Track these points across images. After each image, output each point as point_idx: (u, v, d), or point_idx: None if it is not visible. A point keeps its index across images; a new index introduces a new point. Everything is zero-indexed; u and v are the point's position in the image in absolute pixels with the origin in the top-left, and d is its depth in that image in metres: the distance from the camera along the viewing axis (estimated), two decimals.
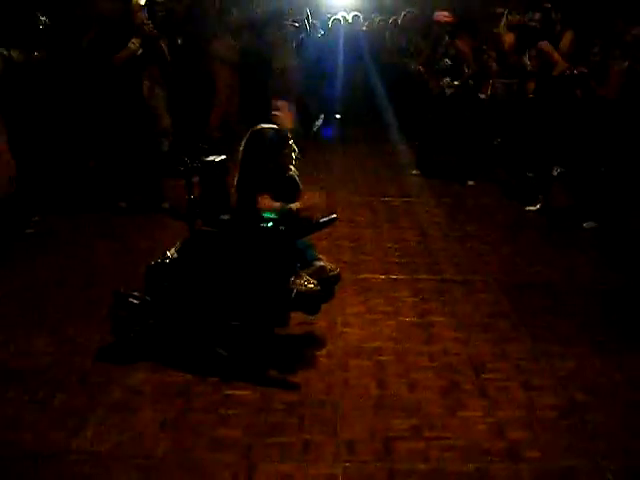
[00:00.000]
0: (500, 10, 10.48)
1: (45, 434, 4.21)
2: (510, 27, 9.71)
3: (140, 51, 8.05)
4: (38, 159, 7.98)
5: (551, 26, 9.07)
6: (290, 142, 5.11)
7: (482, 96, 9.93)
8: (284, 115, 5.55)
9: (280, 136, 5.09)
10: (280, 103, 5.43)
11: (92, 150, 8.90)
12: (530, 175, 9.05)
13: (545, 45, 8.59)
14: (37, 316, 5.74)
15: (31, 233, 7.59)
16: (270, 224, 4.81)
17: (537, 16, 9.19)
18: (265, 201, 4.92)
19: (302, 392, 4.65)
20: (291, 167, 5.15)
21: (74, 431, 4.22)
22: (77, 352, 5.16)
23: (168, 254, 5.17)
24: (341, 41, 13.59)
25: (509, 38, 9.65)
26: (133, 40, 7.99)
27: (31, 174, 7.56)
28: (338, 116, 13.85)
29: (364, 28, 14.50)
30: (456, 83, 9.72)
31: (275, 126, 5.18)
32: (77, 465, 3.93)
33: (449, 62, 9.80)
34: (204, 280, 4.91)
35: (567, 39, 8.63)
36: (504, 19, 9.87)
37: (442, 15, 10.18)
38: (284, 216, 4.88)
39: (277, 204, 4.93)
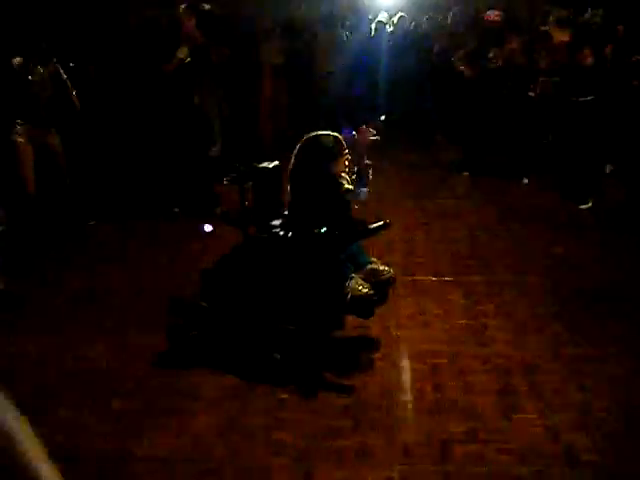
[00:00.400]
0: (547, 7, 10.39)
1: (103, 438, 4.29)
2: (560, 23, 9.60)
3: (188, 59, 8.12)
4: (93, 166, 8.12)
5: (613, 24, 8.96)
6: (346, 150, 5.11)
7: (532, 94, 9.85)
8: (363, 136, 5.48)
9: (336, 142, 5.10)
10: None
11: (143, 158, 9.02)
12: (582, 173, 8.96)
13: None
14: (94, 321, 5.85)
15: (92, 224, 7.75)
16: (324, 229, 4.84)
17: (599, 12, 9.04)
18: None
19: (357, 395, 4.67)
20: (344, 174, 5.14)
21: (132, 435, 4.30)
22: (134, 357, 5.25)
23: (223, 260, 5.24)
24: (385, 43, 13.57)
25: (558, 35, 9.54)
26: (181, 49, 8.09)
27: (86, 181, 7.68)
28: (383, 118, 13.85)
29: (410, 28, 14.44)
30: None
31: (330, 132, 5.18)
32: (135, 469, 4.00)
33: (500, 63, 9.74)
34: (259, 285, 4.97)
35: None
36: (552, 16, 9.76)
37: (493, 14, 10.09)
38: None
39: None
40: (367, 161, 5.20)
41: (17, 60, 6.80)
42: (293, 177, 5.08)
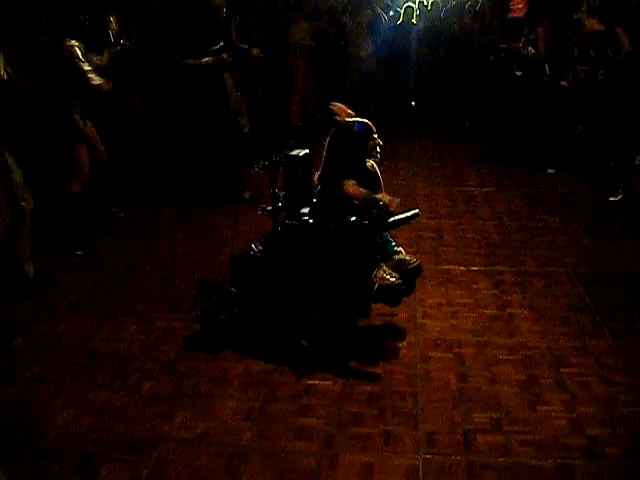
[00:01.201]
0: None
1: (135, 420, 4.37)
2: (592, 12, 9.53)
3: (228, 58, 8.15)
4: (123, 152, 8.18)
5: None
6: (375, 134, 5.14)
7: (563, 83, 9.81)
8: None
9: (366, 128, 5.12)
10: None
11: (173, 143, 9.08)
12: (611, 164, 8.94)
13: (620, 31, 8.47)
14: (125, 305, 5.93)
15: (118, 220, 7.81)
16: (353, 218, 4.88)
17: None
18: (351, 185, 4.97)
19: (383, 383, 4.72)
20: (372, 161, 5.19)
21: (162, 418, 4.37)
22: (164, 340, 5.33)
23: (253, 247, 5.30)
24: (415, 29, 13.53)
25: (590, 24, 9.47)
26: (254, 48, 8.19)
27: (115, 167, 7.74)
28: (413, 103, 13.84)
29: (441, 15, 14.37)
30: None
31: (360, 119, 5.21)
32: (164, 452, 4.07)
33: (533, 50, 9.70)
34: (288, 272, 5.02)
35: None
36: (585, 4, 9.69)
37: (515, 9, 10.01)
38: (370, 205, 4.94)
39: (364, 190, 4.98)
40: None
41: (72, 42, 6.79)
42: (327, 161, 5.11)
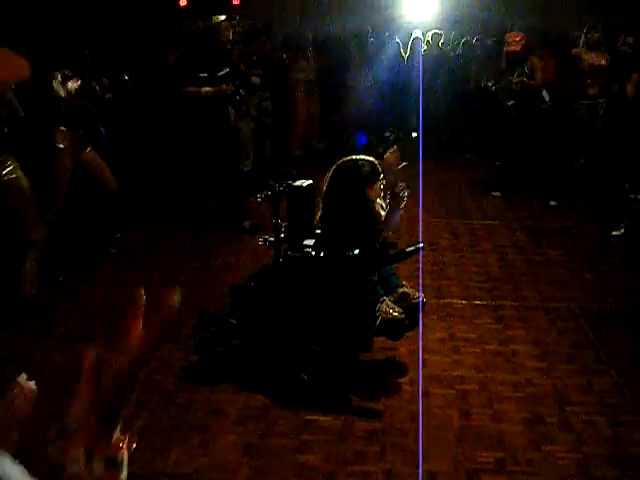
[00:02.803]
0: (578, 33, 10.35)
1: (130, 453, 4.27)
2: (590, 46, 9.56)
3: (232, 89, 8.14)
4: (124, 177, 8.14)
5: None
6: (381, 175, 5.07)
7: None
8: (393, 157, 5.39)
9: (372, 167, 5.06)
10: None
11: (175, 170, 9.05)
12: (613, 198, 8.89)
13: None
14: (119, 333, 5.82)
15: (113, 252, 7.74)
16: (356, 251, 4.81)
17: (630, 40, 8.97)
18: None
19: (384, 420, 4.64)
20: (379, 200, 5.10)
21: (158, 451, 4.28)
22: (160, 371, 5.23)
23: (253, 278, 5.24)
24: (419, 60, 13.54)
25: (589, 58, 9.51)
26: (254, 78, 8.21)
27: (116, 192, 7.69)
28: (415, 135, 13.81)
29: (440, 47, 14.39)
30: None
31: (366, 157, 5.15)
32: None
33: (526, 80, 9.70)
34: (289, 304, 4.95)
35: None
36: (583, 38, 9.72)
37: (514, 42, 10.00)
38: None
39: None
40: (401, 184, 5.13)
41: (56, 72, 6.77)
42: (327, 199, 5.05)
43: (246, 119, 9.27)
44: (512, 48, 9.93)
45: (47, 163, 6.88)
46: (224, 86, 7.97)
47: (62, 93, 6.73)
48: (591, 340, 5.80)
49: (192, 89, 7.88)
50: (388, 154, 5.21)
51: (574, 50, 9.90)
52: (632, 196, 8.99)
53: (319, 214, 5.14)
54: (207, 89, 7.88)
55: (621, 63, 8.71)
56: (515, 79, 9.81)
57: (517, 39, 9.94)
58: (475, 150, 12.51)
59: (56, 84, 6.70)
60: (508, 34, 10.43)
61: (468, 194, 10.46)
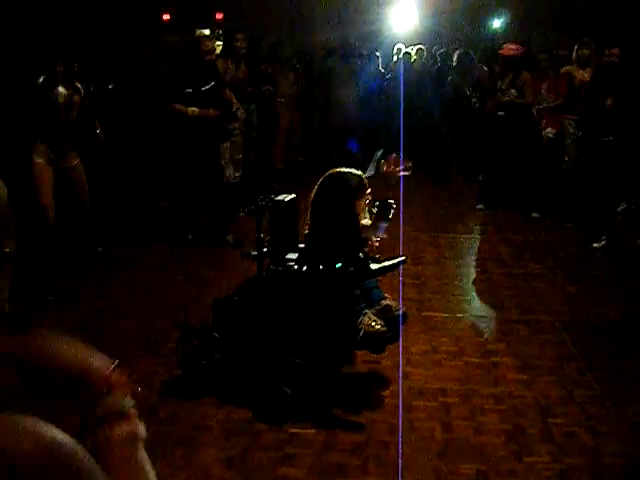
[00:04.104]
0: (564, 52, 10.39)
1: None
2: (581, 63, 9.57)
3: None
4: (107, 191, 8.15)
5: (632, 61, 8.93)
6: (368, 190, 5.10)
7: (550, 132, 9.90)
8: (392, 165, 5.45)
9: (360, 182, 5.09)
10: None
11: (161, 184, 9.07)
12: (595, 211, 8.93)
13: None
14: (103, 347, 5.78)
15: (98, 260, 7.73)
16: (339, 265, 4.83)
17: (615, 51, 8.97)
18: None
19: (366, 433, 4.64)
20: (363, 214, 5.14)
21: None
22: (143, 385, 5.21)
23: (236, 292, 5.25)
24: (403, 75, 13.59)
25: (580, 75, 9.51)
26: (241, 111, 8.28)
27: (99, 206, 7.69)
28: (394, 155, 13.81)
29: (424, 61, 14.46)
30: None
31: (352, 170, 5.18)
32: None
33: (515, 93, 9.76)
34: (271, 318, 4.96)
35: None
36: (574, 54, 9.74)
37: (511, 48, 10.06)
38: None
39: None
40: (390, 200, 5.16)
41: (41, 80, 6.78)
42: (313, 211, 5.07)
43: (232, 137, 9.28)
44: (508, 52, 9.97)
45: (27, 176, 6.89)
46: (211, 111, 8.02)
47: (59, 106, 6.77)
48: (572, 352, 5.84)
49: (179, 107, 7.92)
50: (386, 161, 5.28)
51: (564, 68, 9.91)
52: (619, 208, 9.10)
53: (307, 229, 5.15)
54: (194, 109, 7.92)
55: (606, 74, 8.71)
56: (503, 96, 9.85)
57: (513, 47, 10.01)
58: (458, 163, 12.55)
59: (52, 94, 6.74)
60: (505, 46, 10.42)
61: (451, 208, 10.52)
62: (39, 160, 6.85)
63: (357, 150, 12.08)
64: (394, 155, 5.37)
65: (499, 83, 10.04)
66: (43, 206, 6.88)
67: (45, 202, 6.89)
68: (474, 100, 11.99)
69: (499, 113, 10.06)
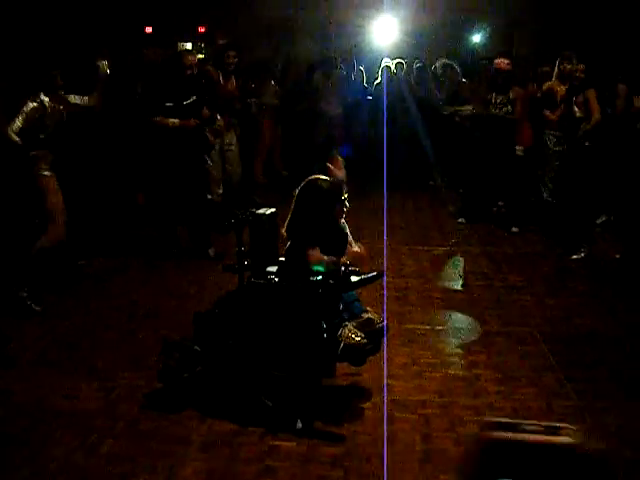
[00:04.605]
0: (546, 69, 10.45)
1: None
2: (562, 78, 9.64)
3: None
4: (88, 203, 8.14)
5: (598, 76, 9.03)
6: (345, 195, 5.17)
7: (518, 150, 9.99)
8: (337, 167, 5.59)
9: (336, 188, 5.14)
10: (334, 156, 5.46)
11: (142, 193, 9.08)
12: (574, 223, 8.99)
13: (591, 93, 8.67)
14: (86, 361, 5.83)
15: (81, 274, 7.73)
16: (319, 277, 4.86)
17: (581, 66, 9.11)
18: (315, 254, 4.96)
19: (348, 445, 4.66)
20: (342, 220, 5.21)
21: (122, 478, 4.28)
22: (125, 398, 5.25)
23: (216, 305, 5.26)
24: (385, 89, 13.66)
25: (562, 90, 9.55)
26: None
27: (80, 219, 7.69)
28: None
29: (405, 75, 14.53)
30: None
31: (330, 178, 5.23)
32: None
33: (510, 109, 9.82)
34: (252, 331, 4.97)
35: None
36: (556, 69, 9.80)
37: (503, 62, 10.10)
38: (332, 270, 4.91)
39: (326, 258, 4.97)
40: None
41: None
42: (293, 221, 5.09)
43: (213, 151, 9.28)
44: (506, 67, 10.00)
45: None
46: (191, 121, 8.05)
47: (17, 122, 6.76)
48: (552, 364, 5.88)
49: (159, 119, 7.95)
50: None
51: (546, 84, 9.98)
52: (598, 220, 9.17)
53: (285, 225, 5.18)
54: (174, 121, 7.96)
55: (575, 89, 8.87)
56: (495, 110, 9.91)
57: (506, 61, 10.06)
58: (439, 177, 12.60)
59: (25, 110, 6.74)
60: (496, 60, 10.45)
61: (432, 220, 10.57)
62: (45, 172, 6.88)
63: (349, 154, 12.11)
64: (337, 156, 5.47)
65: (492, 95, 10.02)
66: (55, 215, 6.95)
67: (57, 208, 7.00)
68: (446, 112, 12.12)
69: (476, 134, 10.16)
